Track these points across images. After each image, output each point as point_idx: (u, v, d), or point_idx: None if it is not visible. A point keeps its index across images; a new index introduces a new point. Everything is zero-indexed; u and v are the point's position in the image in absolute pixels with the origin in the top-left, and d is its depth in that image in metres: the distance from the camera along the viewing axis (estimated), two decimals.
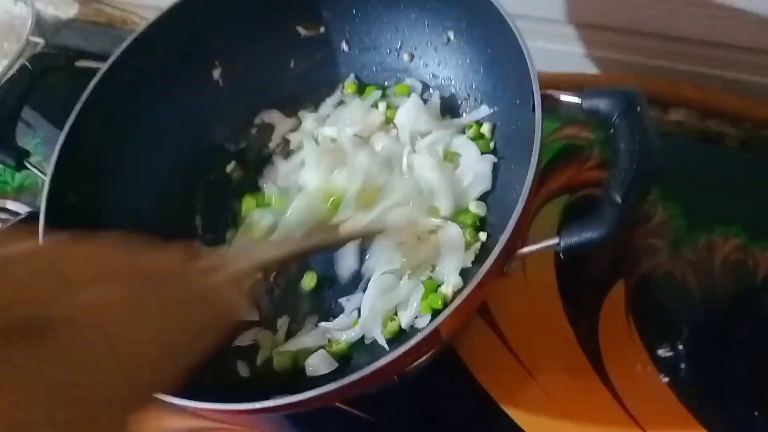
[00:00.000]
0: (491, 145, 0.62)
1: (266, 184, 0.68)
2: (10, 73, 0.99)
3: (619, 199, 0.42)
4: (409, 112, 0.64)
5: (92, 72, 0.65)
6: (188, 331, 0.30)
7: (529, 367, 0.59)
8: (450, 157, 0.62)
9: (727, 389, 0.55)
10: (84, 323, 0.25)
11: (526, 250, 0.46)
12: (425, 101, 0.66)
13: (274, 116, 0.73)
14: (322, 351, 0.57)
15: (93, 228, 0.60)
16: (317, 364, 0.56)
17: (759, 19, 0.62)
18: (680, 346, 0.57)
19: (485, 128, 0.63)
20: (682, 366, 0.57)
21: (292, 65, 0.73)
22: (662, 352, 0.57)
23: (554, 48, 0.74)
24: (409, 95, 0.67)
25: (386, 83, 0.71)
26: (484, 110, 0.63)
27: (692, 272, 0.60)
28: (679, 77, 0.71)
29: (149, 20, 0.67)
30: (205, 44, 0.69)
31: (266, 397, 0.46)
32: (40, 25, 1.05)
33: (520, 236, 0.47)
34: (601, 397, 0.57)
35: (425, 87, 0.69)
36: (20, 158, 0.62)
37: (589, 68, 0.76)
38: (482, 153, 0.61)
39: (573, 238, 0.43)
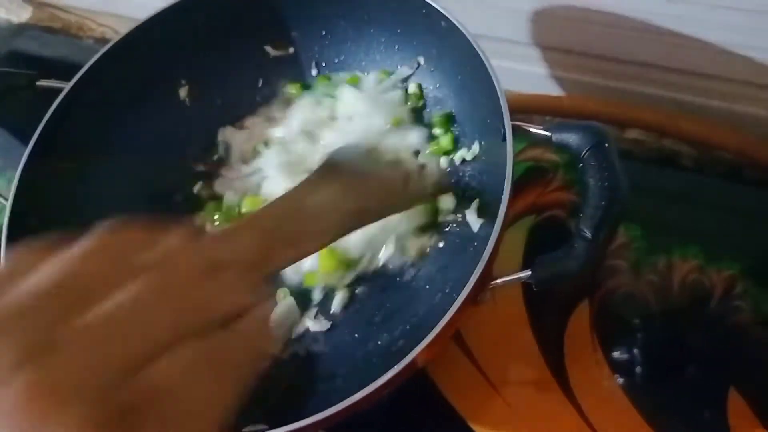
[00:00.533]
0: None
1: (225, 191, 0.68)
2: None
3: (589, 234, 0.43)
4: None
5: (54, 89, 0.63)
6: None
7: (496, 384, 0.61)
8: None
9: (685, 402, 0.57)
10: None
11: (499, 281, 0.47)
12: None
13: (227, 133, 0.72)
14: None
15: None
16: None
17: (714, 48, 0.64)
18: (642, 362, 0.59)
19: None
20: (642, 380, 0.59)
21: (260, 84, 0.72)
22: (624, 368, 0.59)
23: (519, 68, 0.76)
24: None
25: None
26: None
27: (652, 292, 0.62)
28: (637, 99, 0.74)
29: (113, 39, 0.65)
30: (172, 63, 0.68)
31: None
32: None
33: (494, 263, 0.48)
34: (565, 412, 0.58)
35: None
36: None
37: (553, 89, 0.78)
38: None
39: (546, 272, 0.44)
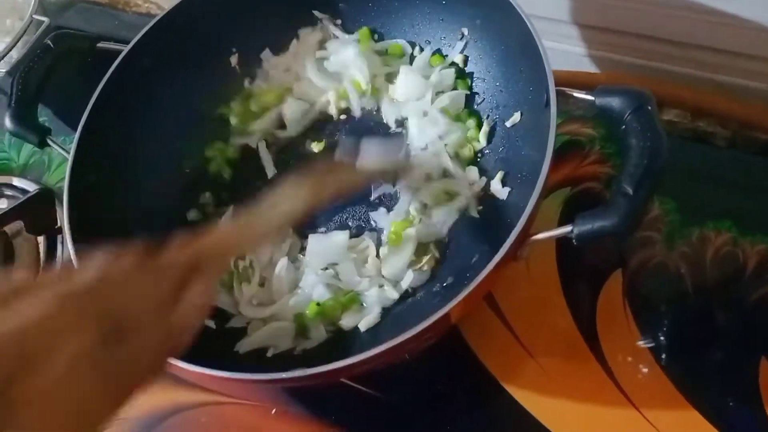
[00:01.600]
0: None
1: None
2: (14, 51, 0.99)
3: (630, 191, 0.45)
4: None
5: (109, 54, 0.66)
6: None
7: (529, 348, 0.63)
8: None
9: (714, 371, 0.59)
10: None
11: (540, 236, 0.49)
12: None
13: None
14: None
15: (110, 208, 0.63)
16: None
17: (752, 27, 0.65)
18: (672, 332, 0.61)
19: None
20: (674, 349, 0.60)
21: None
22: (656, 337, 0.61)
23: (557, 47, 0.77)
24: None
25: None
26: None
27: (685, 263, 0.63)
28: (673, 78, 0.75)
29: (166, 7, 0.68)
30: (223, 31, 0.71)
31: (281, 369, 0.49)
32: (42, 4, 1.05)
33: (533, 222, 0.50)
34: (596, 377, 0.60)
35: None
36: (43, 136, 0.63)
37: (590, 67, 0.79)
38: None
39: (586, 226, 0.46)
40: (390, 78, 0.71)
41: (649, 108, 0.48)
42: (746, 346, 0.59)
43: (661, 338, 0.61)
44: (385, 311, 0.61)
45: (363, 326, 0.61)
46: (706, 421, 0.56)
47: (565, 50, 0.78)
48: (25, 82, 0.63)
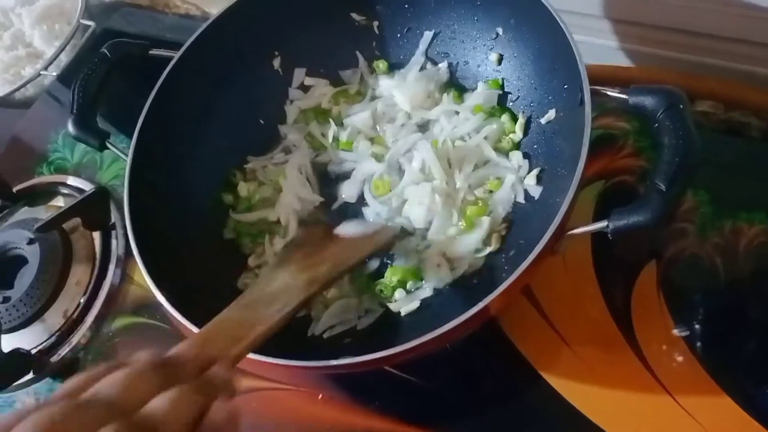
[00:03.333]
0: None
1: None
2: (64, 55, 1.04)
3: (664, 187, 0.47)
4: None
5: (160, 60, 0.70)
6: None
7: (566, 338, 0.65)
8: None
9: (748, 360, 0.60)
10: None
11: (577, 230, 0.51)
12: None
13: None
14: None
15: (168, 202, 0.67)
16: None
17: None
18: (706, 321, 0.62)
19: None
20: (707, 338, 0.61)
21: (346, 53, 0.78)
22: (690, 326, 0.62)
23: (590, 41, 0.78)
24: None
25: None
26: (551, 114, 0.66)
27: (718, 255, 0.65)
28: (704, 71, 0.76)
29: (215, 13, 0.71)
30: (266, 36, 0.74)
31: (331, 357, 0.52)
32: (87, 7, 1.10)
33: (569, 218, 0.52)
34: (632, 365, 0.62)
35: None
36: (102, 139, 0.67)
37: (623, 61, 0.80)
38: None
39: (621, 221, 0.48)
40: None
41: (681, 107, 0.49)
42: None
43: (695, 327, 0.62)
44: (426, 300, 0.64)
45: (404, 311, 0.64)
46: (739, 407, 0.58)
47: (597, 44, 0.79)
48: (85, 89, 0.67)
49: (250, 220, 0.71)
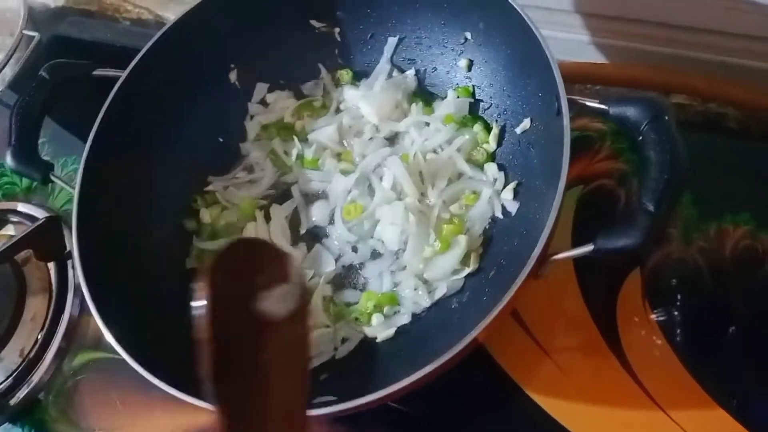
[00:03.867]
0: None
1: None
2: (8, 69, 0.98)
3: (651, 207, 0.44)
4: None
5: (109, 80, 0.65)
6: None
7: (548, 350, 0.62)
8: None
9: (736, 365, 0.58)
10: None
11: (560, 256, 0.48)
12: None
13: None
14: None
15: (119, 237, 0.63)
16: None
17: (760, 9, 0.63)
18: (694, 328, 0.60)
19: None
20: (696, 347, 0.59)
21: (307, 65, 0.74)
22: (677, 332, 0.60)
23: (562, 36, 0.75)
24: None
25: None
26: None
27: (704, 258, 0.63)
28: (683, 64, 0.73)
29: (149, 20, 0.67)
30: (221, 47, 0.70)
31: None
32: (32, 16, 1.03)
33: (552, 241, 0.49)
34: (617, 375, 0.60)
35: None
36: (46, 172, 0.62)
37: (596, 56, 0.77)
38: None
39: (608, 245, 0.45)
40: None
41: (666, 118, 0.46)
42: (766, 339, 0.59)
43: (683, 335, 0.60)
44: (404, 326, 0.61)
45: (381, 338, 0.61)
46: (730, 417, 0.56)
47: (570, 39, 0.76)
48: (23, 116, 0.61)
49: (215, 247, 0.67)
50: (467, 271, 0.60)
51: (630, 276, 0.64)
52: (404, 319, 0.61)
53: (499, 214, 0.62)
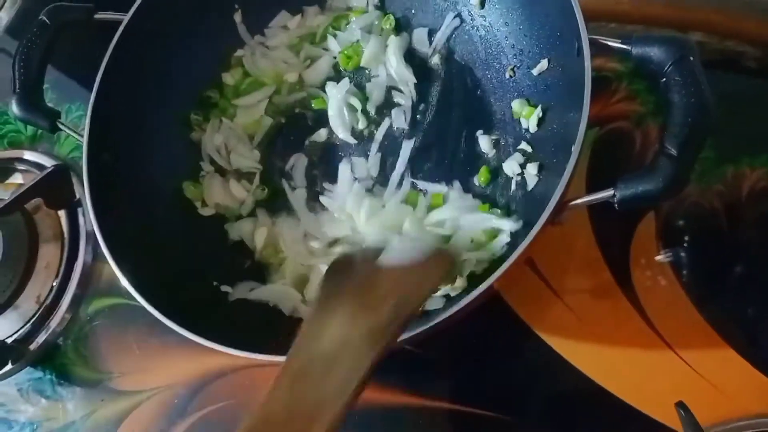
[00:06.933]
0: None
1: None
2: (3, 13, 0.95)
3: (675, 152, 0.43)
4: None
5: (109, 24, 0.63)
6: None
7: (561, 293, 0.62)
8: None
9: (748, 307, 0.59)
10: None
11: (579, 201, 0.47)
12: None
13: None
14: None
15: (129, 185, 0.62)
16: None
17: None
18: (708, 272, 0.60)
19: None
20: (710, 289, 0.60)
21: None
22: (691, 276, 0.60)
23: None
24: None
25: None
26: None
27: (720, 202, 0.62)
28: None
29: None
30: None
31: None
32: None
33: (570, 188, 0.48)
34: (630, 319, 0.60)
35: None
36: (53, 120, 0.61)
37: None
38: None
39: (629, 191, 0.44)
40: None
41: (692, 59, 0.45)
42: None
43: (694, 276, 0.60)
44: None
45: None
46: (742, 358, 0.57)
47: None
48: (26, 63, 0.59)
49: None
50: (450, 292, 0.58)
51: (644, 219, 0.63)
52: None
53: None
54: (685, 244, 0.62)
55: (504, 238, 0.57)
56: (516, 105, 0.62)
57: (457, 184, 0.63)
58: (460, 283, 0.57)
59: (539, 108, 0.60)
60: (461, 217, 0.60)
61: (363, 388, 0.33)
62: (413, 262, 0.42)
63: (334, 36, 0.70)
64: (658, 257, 0.62)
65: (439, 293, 0.57)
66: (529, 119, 0.60)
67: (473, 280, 0.57)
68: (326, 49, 0.71)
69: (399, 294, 0.39)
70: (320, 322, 0.36)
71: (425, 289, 0.41)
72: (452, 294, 0.58)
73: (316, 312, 0.37)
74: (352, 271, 0.40)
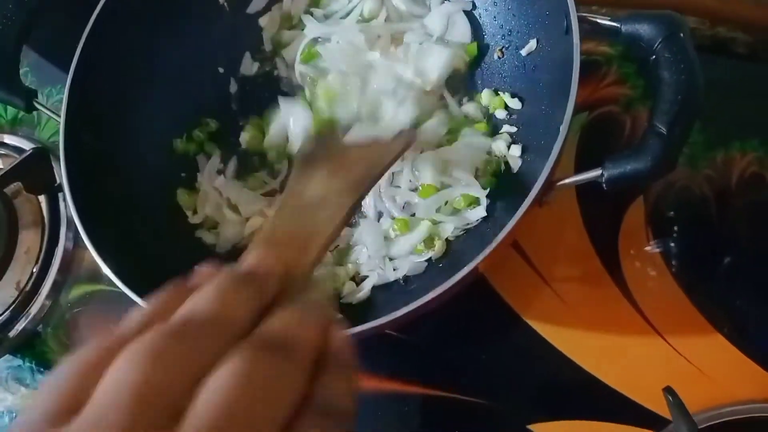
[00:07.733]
0: None
1: None
2: None
3: (664, 130, 0.42)
4: None
5: (90, 2, 0.61)
6: None
7: (549, 279, 0.62)
8: None
9: (738, 294, 0.58)
10: None
11: (566, 181, 0.47)
12: None
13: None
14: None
15: (108, 167, 0.61)
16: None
17: None
18: (697, 257, 0.60)
19: None
20: (699, 275, 0.59)
21: None
22: (680, 262, 0.60)
23: None
24: None
25: None
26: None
27: (710, 187, 0.61)
28: None
29: None
30: None
31: None
32: None
33: (558, 167, 0.48)
34: (619, 305, 0.59)
35: None
36: (29, 99, 0.59)
37: None
38: None
39: (617, 170, 0.44)
40: None
41: (682, 36, 0.44)
42: None
43: (684, 263, 0.59)
44: None
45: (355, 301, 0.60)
46: (730, 344, 0.56)
47: None
48: (1, 41, 0.58)
49: None
50: (430, 255, 0.58)
51: (633, 204, 0.63)
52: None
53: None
54: (674, 230, 0.61)
55: (480, 211, 0.57)
56: (485, 97, 0.62)
57: None
58: (439, 246, 0.58)
59: (507, 95, 0.60)
60: None
61: (344, 225, 0.39)
62: (376, 140, 0.50)
63: None
64: (648, 244, 0.61)
65: (420, 258, 0.58)
66: (498, 109, 0.61)
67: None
68: None
69: (366, 159, 0.45)
70: (301, 183, 0.41)
71: (390, 155, 0.49)
72: (433, 258, 0.58)
73: (296, 176, 0.42)
74: (323, 145, 0.46)
